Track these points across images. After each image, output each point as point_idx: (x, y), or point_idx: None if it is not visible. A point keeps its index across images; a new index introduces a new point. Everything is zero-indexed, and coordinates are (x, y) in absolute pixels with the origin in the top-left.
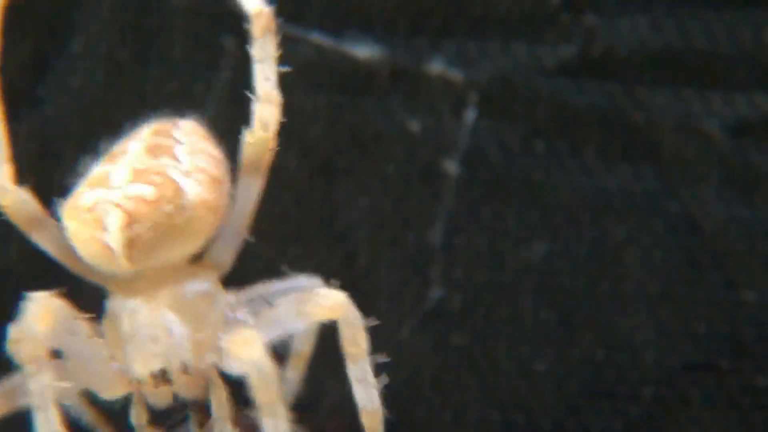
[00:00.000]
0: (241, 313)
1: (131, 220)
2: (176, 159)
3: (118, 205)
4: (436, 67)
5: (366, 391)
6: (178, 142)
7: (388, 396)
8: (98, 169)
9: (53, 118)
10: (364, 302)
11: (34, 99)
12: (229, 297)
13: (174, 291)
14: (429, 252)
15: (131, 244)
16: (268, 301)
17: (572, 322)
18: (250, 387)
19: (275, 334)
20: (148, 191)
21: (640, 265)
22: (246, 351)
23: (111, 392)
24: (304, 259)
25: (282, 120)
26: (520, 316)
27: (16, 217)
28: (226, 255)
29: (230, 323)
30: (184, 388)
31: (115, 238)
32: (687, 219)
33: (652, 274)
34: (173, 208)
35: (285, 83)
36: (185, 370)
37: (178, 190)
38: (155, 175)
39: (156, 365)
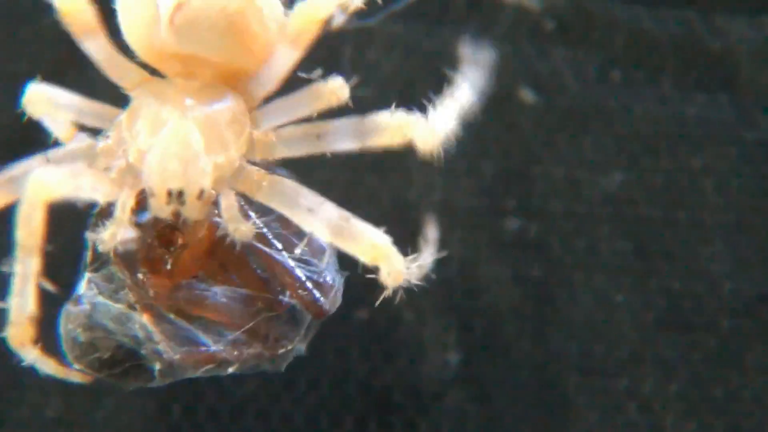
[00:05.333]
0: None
1: None
2: None
3: None
4: None
5: None
6: None
7: (464, 326)
8: None
9: None
10: (440, 232)
11: None
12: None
13: (205, 109)
14: (505, 181)
15: (178, 8)
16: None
17: (649, 252)
18: None
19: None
20: None
21: (716, 193)
22: None
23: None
24: (380, 189)
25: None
26: (597, 246)
27: (73, 24)
28: (260, 93)
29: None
30: (190, 211)
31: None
32: (763, 147)
33: (729, 203)
34: None
35: (362, 13)
36: (200, 196)
37: None
38: None
39: (176, 184)
